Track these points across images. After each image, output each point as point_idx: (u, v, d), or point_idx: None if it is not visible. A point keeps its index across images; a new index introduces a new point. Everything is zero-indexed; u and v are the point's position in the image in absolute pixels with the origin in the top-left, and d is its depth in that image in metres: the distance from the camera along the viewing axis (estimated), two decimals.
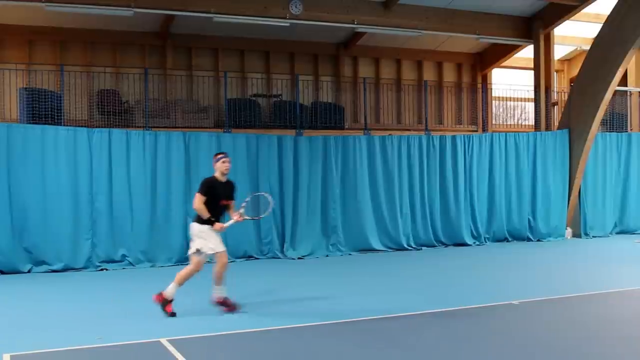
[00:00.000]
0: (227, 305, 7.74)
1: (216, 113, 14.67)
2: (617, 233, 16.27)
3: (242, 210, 7.93)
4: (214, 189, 7.70)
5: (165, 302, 7.55)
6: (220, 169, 7.79)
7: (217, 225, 7.61)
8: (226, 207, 7.91)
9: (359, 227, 13.62)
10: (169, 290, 7.56)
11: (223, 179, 7.82)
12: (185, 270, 7.67)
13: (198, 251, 7.61)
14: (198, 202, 7.60)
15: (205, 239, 7.59)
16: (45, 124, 11.90)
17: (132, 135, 12.13)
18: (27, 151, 11.34)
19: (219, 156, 7.89)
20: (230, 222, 7.83)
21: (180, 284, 7.59)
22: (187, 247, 12.06)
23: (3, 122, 12.04)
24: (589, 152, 15.37)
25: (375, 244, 13.75)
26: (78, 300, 8.96)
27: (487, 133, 15.75)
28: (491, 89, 17.78)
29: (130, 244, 11.91)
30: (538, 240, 15.24)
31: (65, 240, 11.46)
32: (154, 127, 12.93)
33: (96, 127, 12.40)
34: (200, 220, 7.64)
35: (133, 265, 11.85)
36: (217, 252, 7.59)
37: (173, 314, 7.51)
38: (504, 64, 18.44)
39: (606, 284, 9.45)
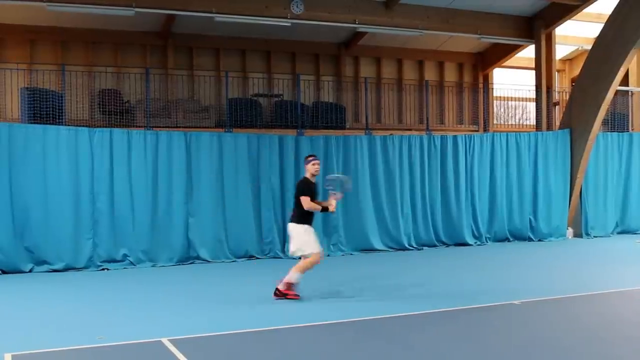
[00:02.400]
0: (285, 294, 8.31)
1: (217, 113, 14.66)
2: (619, 233, 16.26)
3: (335, 193, 8.52)
4: (310, 189, 8.38)
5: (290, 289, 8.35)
6: (310, 170, 8.44)
7: (332, 206, 8.35)
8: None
9: (360, 227, 13.62)
10: (294, 278, 8.32)
11: (313, 179, 8.48)
12: (305, 262, 8.31)
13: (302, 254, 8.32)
14: (308, 202, 8.24)
15: (306, 239, 8.26)
16: (46, 123, 11.90)
17: (133, 135, 12.14)
18: (28, 151, 11.34)
19: (310, 158, 8.55)
20: (334, 203, 8.44)
21: (303, 272, 8.32)
22: (188, 246, 12.31)
23: (4, 121, 12.05)
24: (590, 152, 15.36)
25: (377, 243, 13.75)
26: (79, 300, 8.96)
27: (489, 133, 15.74)
28: (492, 88, 17.77)
29: (131, 243, 11.91)
30: (539, 240, 15.23)
31: (66, 240, 11.46)
32: (155, 126, 12.94)
33: (97, 126, 12.41)
34: (299, 220, 8.29)
35: (134, 265, 11.86)
36: (313, 253, 8.25)
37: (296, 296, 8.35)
38: (505, 63, 18.43)
39: (607, 284, 9.44)
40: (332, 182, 8.78)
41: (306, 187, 8.36)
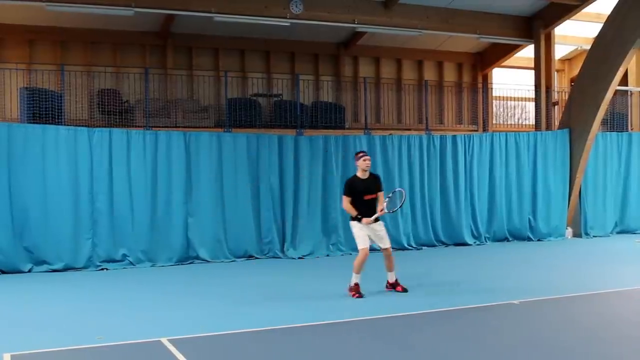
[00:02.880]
0: (396, 285, 8.90)
1: (217, 113, 14.66)
2: (618, 233, 16.25)
3: (384, 205, 8.60)
4: (354, 187, 8.49)
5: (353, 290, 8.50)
6: (361, 166, 8.55)
7: (365, 220, 8.38)
8: (375, 200, 8.59)
9: None
10: (352, 280, 8.51)
11: (364, 175, 8.56)
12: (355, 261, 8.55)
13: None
14: (344, 203, 8.58)
15: (356, 234, 8.51)
16: (45, 123, 11.90)
17: (132, 135, 12.14)
18: (27, 151, 11.34)
19: (360, 154, 8.67)
20: (375, 215, 8.49)
21: (357, 272, 8.51)
22: (188, 246, 12.33)
23: (4, 121, 12.05)
24: (590, 151, 15.36)
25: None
26: (78, 299, 8.97)
27: (488, 133, 15.74)
28: (492, 88, 17.77)
29: (130, 243, 11.91)
30: (538, 240, 15.23)
31: (65, 240, 11.46)
32: (155, 126, 12.94)
33: (97, 126, 12.41)
34: (351, 218, 8.55)
35: (134, 265, 11.85)
36: (360, 248, 8.47)
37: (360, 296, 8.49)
38: (504, 63, 18.44)
39: (606, 284, 9.45)
40: (394, 194, 8.91)
41: (347, 187, 8.60)
